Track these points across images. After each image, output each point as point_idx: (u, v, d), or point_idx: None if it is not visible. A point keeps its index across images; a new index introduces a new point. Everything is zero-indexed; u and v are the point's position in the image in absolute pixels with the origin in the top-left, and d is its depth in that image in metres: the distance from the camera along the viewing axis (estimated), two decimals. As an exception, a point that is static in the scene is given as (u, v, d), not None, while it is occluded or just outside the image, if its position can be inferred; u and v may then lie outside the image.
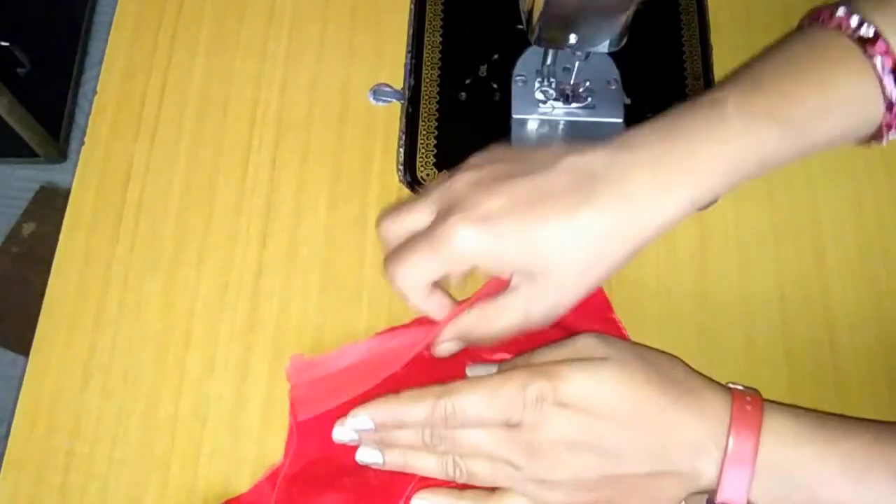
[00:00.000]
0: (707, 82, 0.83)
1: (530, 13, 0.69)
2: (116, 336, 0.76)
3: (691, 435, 0.59)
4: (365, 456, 0.66)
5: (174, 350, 0.75)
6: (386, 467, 0.65)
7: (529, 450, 0.59)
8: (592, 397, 0.59)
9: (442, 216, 0.61)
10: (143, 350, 0.75)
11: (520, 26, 0.84)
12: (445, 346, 0.66)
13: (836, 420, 0.60)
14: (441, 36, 0.86)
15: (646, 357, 0.62)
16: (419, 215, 0.63)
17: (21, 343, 1.67)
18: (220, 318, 0.76)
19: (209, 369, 0.75)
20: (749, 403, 0.59)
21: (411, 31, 0.86)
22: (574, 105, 0.81)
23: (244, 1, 0.90)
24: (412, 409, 0.63)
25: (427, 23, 0.86)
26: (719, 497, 0.57)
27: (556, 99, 0.80)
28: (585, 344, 0.63)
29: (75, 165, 0.83)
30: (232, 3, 0.90)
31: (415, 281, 0.62)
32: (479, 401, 0.61)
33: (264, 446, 0.72)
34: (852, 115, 0.63)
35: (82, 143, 0.84)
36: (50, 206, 1.96)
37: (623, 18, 0.67)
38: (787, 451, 0.58)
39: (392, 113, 0.84)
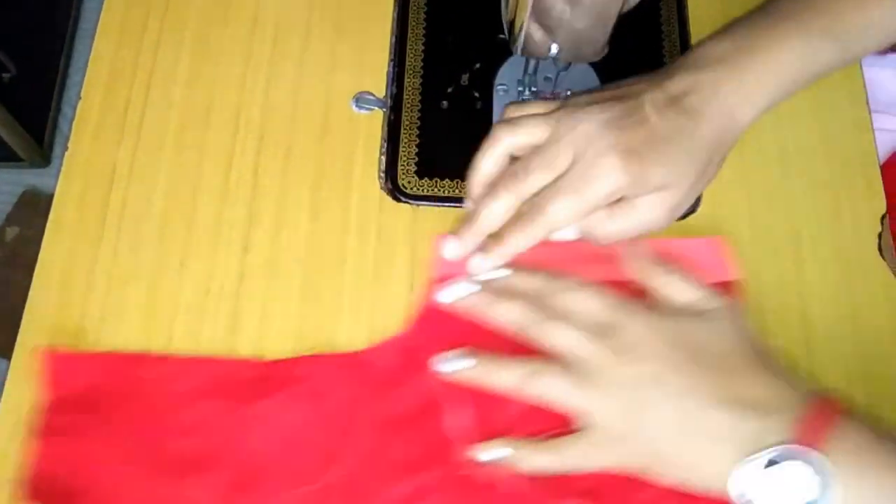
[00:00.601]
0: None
1: (512, 23, 0.70)
2: (98, 341, 0.76)
3: (770, 396, 0.62)
4: (446, 367, 0.69)
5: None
6: (465, 375, 0.68)
7: (613, 351, 0.64)
8: (690, 333, 0.66)
9: (587, 155, 0.66)
10: (124, 355, 0.75)
11: (501, 36, 0.85)
12: (565, 233, 0.69)
13: None
14: (423, 44, 0.86)
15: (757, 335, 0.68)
16: (537, 132, 0.68)
17: (3, 347, 1.66)
18: (202, 323, 0.76)
19: (190, 374, 0.74)
20: (830, 400, 0.62)
21: (394, 40, 0.87)
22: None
23: (228, 7, 0.90)
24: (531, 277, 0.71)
25: (410, 31, 0.87)
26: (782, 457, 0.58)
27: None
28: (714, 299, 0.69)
29: (59, 170, 0.83)
30: (216, 9, 0.90)
31: (565, 221, 0.67)
32: (592, 292, 0.68)
33: (245, 451, 0.72)
34: (890, 30, 0.72)
35: (66, 148, 0.84)
36: (33, 210, 1.96)
37: (605, 29, 0.68)
38: (856, 446, 0.59)
39: (374, 121, 0.84)
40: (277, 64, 0.87)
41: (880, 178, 0.81)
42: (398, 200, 0.80)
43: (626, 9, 0.67)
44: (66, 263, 0.79)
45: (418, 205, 0.81)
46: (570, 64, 0.76)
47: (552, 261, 0.72)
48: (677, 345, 0.64)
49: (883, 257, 0.78)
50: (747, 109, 0.68)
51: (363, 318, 0.76)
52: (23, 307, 0.77)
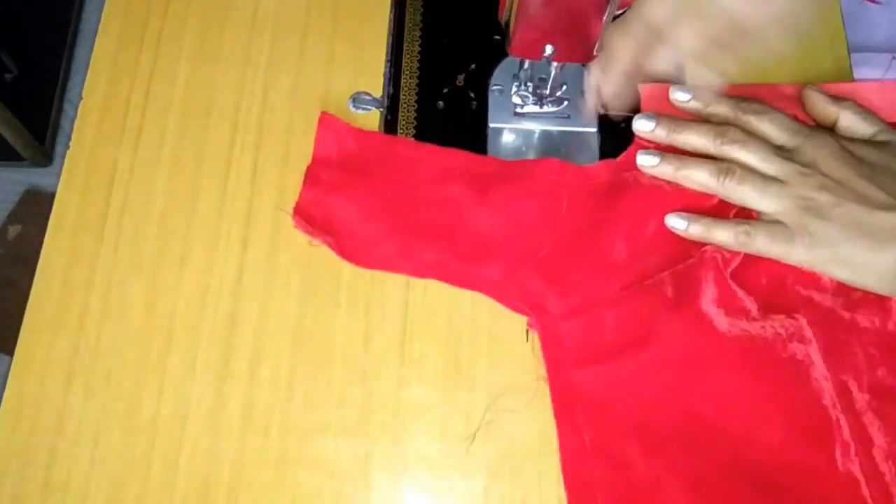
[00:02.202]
0: (679, 92, 0.84)
1: (507, 24, 0.71)
2: (100, 336, 0.77)
3: None
4: (644, 160, 0.77)
5: (156, 350, 0.76)
6: (657, 171, 0.76)
7: (802, 167, 0.71)
8: (867, 154, 0.72)
9: None
10: (125, 350, 0.76)
11: (497, 37, 0.86)
12: None
13: None
14: (420, 45, 0.87)
15: None
16: None
17: (5, 343, 1.67)
18: (202, 319, 0.77)
19: (190, 370, 0.75)
20: None
21: (390, 41, 0.88)
22: (551, 108, 0.82)
23: (227, 9, 0.91)
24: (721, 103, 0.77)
25: (406, 32, 0.88)
26: None
27: (533, 103, 0.82)
28: None
29: (60, 169, 0.83)
30: (215, 11, 0.91)
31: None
32: (777, 115, 0.74)
33: (243, 446, 0.73)
34: None
35: (67, 147, 0.84)
36: (35, 208, 1.96)
37: (599, 29, 0.69)
38: None
39: (371, 120, 0.85)
40: (275, 65, 0.88)
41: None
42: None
43: (618, 9, 0.68)
44: (68, 261, 0.80)
45: (415, 203, 0.81)
46: (564, 65, 0.77)
47: None
48: (853, 161, 0.70)
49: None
50: None
51: (360, 316, 0.77)
52: (25, 304, 0.78)
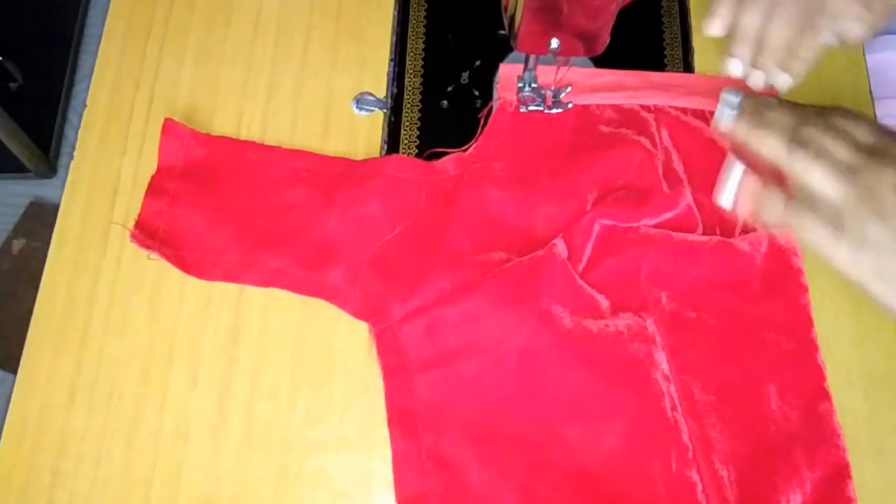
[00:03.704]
0: (690, 85, 0.82)
1: (512, 18, 0.69)
2: (102, 352, 0.76)
3: None
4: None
5: (158, 365, 0.75)
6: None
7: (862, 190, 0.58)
8: None
9: None
10: (128, 366, 0.75)
11: (502, 32, 0.84)
12: None
13: None
14: (424, 43, 0.86)
15: None
16: None
17: (11, 360, 1.66)
18: (204, 332, 0.76)
19: (192, 385, 0.74)
20: None
21: (394, 39, 0.86)
22: (556, 111, 0.80)
23: (230, 11, 0.89)
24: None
25: (410, 30, 0.86)
26: None
27: (538, 105, 0.80)
28: None
29: (65, 180, 0.82)
30: (218, 13, 0.89)
31: None
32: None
33: (245, 462, 0.72)
34: None
35: (71, 158, 0.83)
36: (40, 221, 1.95)
37: (605, 22, 0.67)
38: None
39: (374, 122, 0.83)
40: (279, 66, 0.87)
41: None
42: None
43: (626, 1, 0.66)
44: (71, 276, 0.79)
45: (421, 205, 0.80)
46: (570, 58, 0.75)
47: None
48: None
49: None
50: None
51: (361, 327, 0.76)
52: (29, 318, 0.77)
